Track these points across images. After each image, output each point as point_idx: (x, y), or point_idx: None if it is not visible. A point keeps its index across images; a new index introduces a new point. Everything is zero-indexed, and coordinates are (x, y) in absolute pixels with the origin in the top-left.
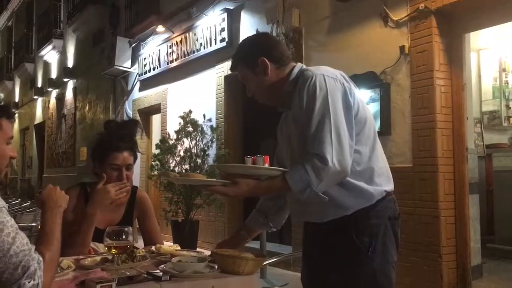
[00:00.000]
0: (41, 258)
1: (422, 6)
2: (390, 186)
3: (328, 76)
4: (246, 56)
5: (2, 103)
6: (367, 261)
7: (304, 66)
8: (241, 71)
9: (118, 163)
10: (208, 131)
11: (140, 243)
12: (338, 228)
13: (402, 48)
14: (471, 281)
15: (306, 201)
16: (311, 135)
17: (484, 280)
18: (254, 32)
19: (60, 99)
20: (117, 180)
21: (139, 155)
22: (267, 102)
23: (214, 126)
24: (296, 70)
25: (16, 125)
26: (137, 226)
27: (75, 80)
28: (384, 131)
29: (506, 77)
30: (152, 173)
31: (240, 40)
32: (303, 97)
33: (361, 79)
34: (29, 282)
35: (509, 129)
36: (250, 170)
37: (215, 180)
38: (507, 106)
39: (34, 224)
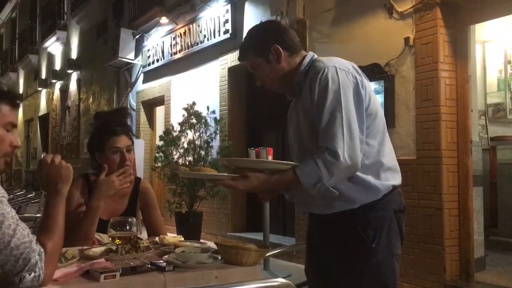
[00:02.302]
0: (42, 250)
1: None
2: (397, 180)
3: (340, 69)
4: (258, 44)
5: (7, 89)
6: (371, 254)
7: (316, 56)
8: (252, 59)
9: (118, 146)
10: (211, 123)
11: (144, 235)
12: (343, 220)
13: (406, 39)
14: (474, 274)
15: (309, 195)
16: (322, 129)
17: (487, 273)
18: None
19: (64, 90)
20: (120, 163)
21: (141, 144)
22: (278, 90)
23: (218, 118)
24: (307, 60)
25: (20, 117)
26: (141, 217)
27: (79, 72)
28: (388, 123)
29: (511, 69)
30: (156, 164)
31: (244, 32)
32: (314, 89)
33: (365, 71)
34: (30, 275)
35: None
36: (260, 164)
37: (225, 174)
38: None
39: (38, 215)
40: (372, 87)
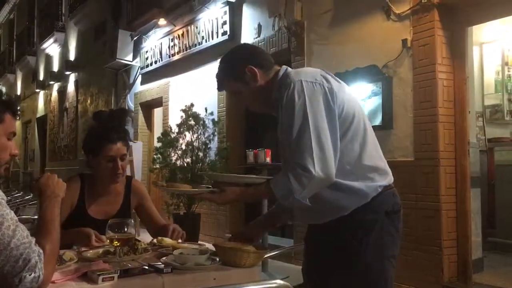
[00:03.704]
0: (41, 251)
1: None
2: (386, 180)
3: (307, 81)
4: (232, 70)
5: (9, 99)
6: (359, 256)
7: (289, 70)
8: (230, 86)
9: (112, 154)
10: (210, 124)
11: (141, 236)
12: (333, 224)
13: (404, 41)
14: (472, 275)
15: (304, 206)
16: (292, 144)
17: (484, 274)
18: (256, 26)
19: (62, 92)
20: (113, 171)
21: (139, 145)
22: (262, 110)
23: (216, 119)
24: (281, 73)
25: None
26: (138, 219)
27: (76, 73)
28: (386, 125)
29: (508, 71)
30: (154, 166)
31: (242, 33)
32: (283, 106)
33: (363, 73)
34: (30, 275)
35: (511, 123)
36: (237, 179)
37: (202, 190)
38: (510, 100)
39: (36, 217)
40: (370, 88)
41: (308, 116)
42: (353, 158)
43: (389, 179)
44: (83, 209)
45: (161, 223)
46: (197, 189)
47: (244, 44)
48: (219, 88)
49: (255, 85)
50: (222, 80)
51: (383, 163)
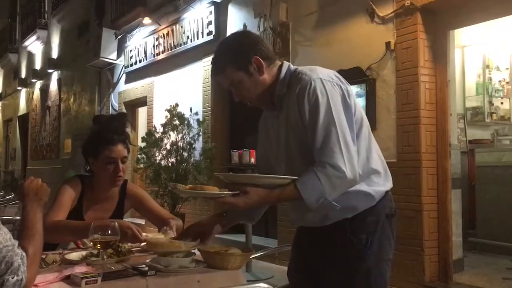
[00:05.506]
0: (24, 254)
1: (407, 3)
2: (388, 184)
3: (326, 80)
4: (236, 58)
5: None
6: (362, 258)
7: (292, 66)
8: (231, 75)
9: (113, 156)
10: (194, 124)
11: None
12: (335, 226)
13: (387, 44)
14: (453, 275)
15: (306, 208)
16: (319, 145)
17: (465, 274)
18: (241, 26)
19: (44, 90)
20: (113, 174)
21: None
22: (259, 104)
23: (201, 119)
24: (284, 70)
25: None
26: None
27: (59, 72)
28: (370, 126)
29: (489, 74)
30: (138, 166)
31: (228, 34)
32: (303, 106)
33: (347, 75)
34: (12, 278)
35: (491, 125)
36: (259, 180)
37: (225, 192)
38: (490, 102)
39: (17, 218)
40: (354, 90)
41: (333, 116)
42: (362, 161)
43: (391, 182)
44: (80, 212)
45: (164, 216)
46: (218, 192)
47: (249, 32)
48: (216, 74)
49: (259, 78)
50: (223, 67)
51: (385, 167)
